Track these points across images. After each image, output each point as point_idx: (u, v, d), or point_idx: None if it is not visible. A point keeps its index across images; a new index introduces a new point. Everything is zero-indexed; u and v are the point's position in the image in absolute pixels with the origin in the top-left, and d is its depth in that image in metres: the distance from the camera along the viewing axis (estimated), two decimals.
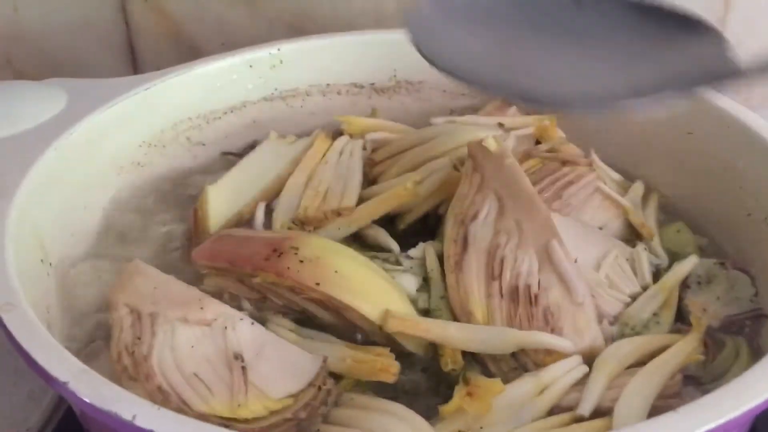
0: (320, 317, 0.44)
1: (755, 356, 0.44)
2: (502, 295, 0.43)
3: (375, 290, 0.44)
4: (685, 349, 0.43)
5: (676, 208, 0.57)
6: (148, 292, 0.42)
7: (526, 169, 0.51)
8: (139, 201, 0.58)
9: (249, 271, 0.44)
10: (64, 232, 0.52)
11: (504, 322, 0.43)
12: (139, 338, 0.40)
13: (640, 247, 0.50)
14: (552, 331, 0.42)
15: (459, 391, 0.39)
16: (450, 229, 0.47)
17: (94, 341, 0.46)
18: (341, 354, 0.42)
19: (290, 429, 0.38)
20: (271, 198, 0.54)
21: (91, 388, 0.34)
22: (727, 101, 0.54)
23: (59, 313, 0.48)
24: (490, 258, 0.44)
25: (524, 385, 0.40)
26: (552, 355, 0.41)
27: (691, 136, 0.56)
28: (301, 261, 0.43)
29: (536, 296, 0.43)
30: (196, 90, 0.61)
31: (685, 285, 0.49)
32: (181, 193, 0.59)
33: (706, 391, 0.37)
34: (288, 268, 0.43)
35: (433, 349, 0.44)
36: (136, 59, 0.78)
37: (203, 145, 0.63)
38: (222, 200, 0.53)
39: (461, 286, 0.44)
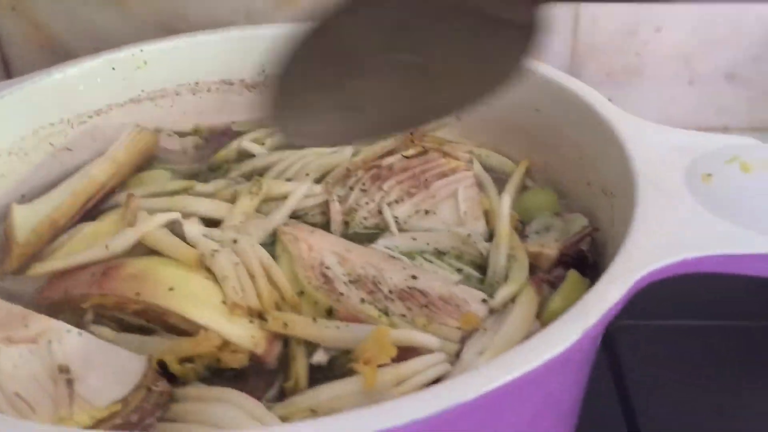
0: None
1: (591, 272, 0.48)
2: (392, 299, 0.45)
3: (200, 293, 0.44)
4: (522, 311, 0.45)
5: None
6: None
7: (405, 153, 0.56)
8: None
9: (79, 297, 0.44)
10: None
11: (401, 318, 0.44)
12: None
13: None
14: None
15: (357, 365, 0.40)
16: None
17: None
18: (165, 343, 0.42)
19: None
20: (86, 201, 0.53)
21: None
22: (568, 79, 0.56)
23: None
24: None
25: (383, 375, 0.40)
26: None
27: (539, 113, 0.58)
28: (124, 276, 0.44)
29: (422, 291, 0.45)
30: (56, 95, 0.61)
31: (523, 235, 0.51)
32: None
33: None
34: (110, 284, 0.43)
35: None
36: (8, 68, 0.77)
37: (70, 150, 0.63)
38: (30, 210, 0.52)
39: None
